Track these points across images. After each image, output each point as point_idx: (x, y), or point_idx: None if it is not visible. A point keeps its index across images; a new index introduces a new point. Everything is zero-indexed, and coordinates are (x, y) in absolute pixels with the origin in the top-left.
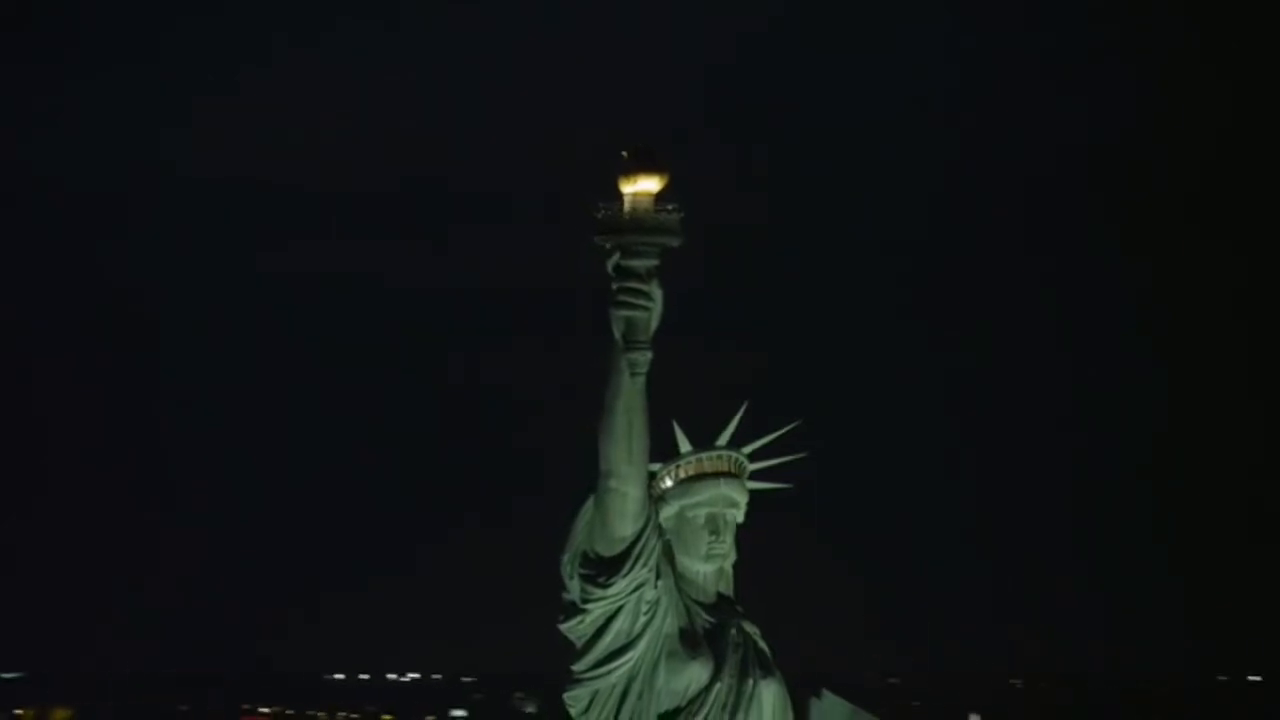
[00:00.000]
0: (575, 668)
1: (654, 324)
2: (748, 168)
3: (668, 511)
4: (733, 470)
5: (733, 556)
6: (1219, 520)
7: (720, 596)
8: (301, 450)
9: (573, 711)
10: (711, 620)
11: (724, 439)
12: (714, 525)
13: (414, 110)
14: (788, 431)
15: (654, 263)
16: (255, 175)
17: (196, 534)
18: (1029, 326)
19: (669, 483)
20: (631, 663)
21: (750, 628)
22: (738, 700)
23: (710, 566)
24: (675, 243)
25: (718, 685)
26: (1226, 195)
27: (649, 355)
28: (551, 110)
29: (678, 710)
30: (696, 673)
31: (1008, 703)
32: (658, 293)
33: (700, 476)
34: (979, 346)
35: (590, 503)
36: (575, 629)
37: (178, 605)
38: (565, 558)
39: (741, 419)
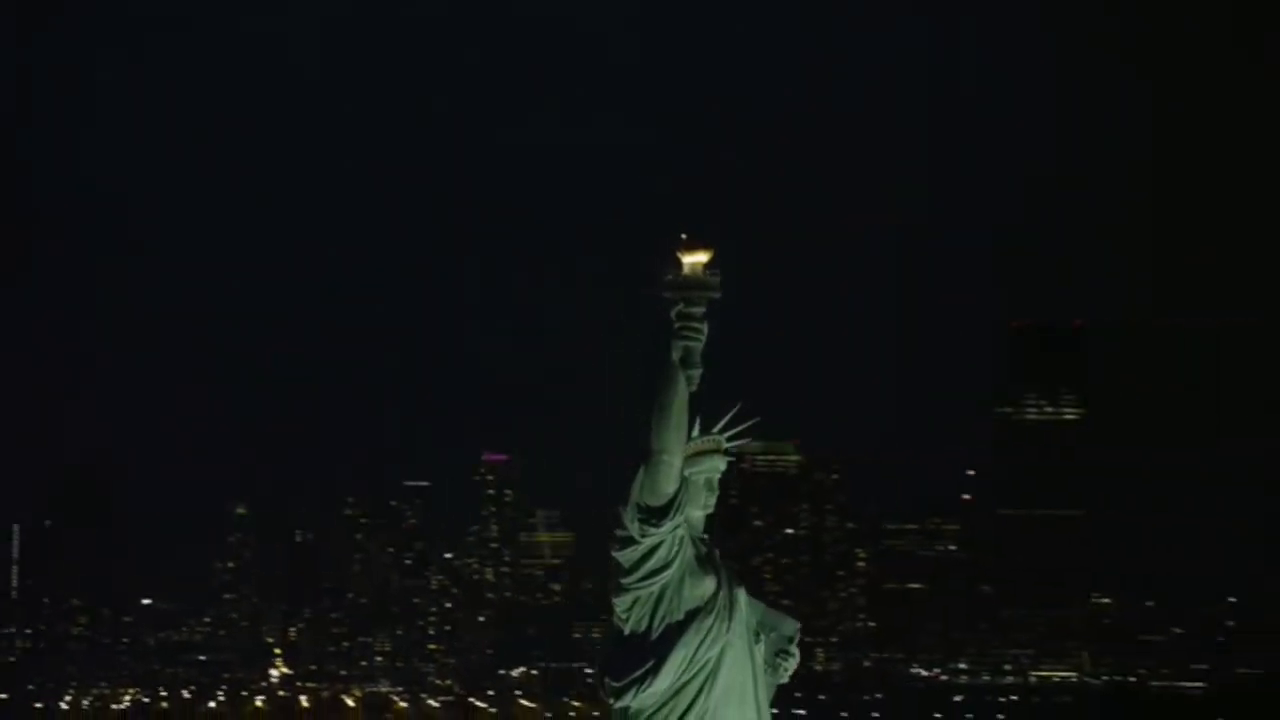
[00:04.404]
0: (624, 580)
1: (702, 349)
2: None
3: None
4: (718, 449)
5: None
6: None
7: (702, 534)
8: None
9: (618, 609)
10: (705, 549)
11: (717, 428)
12: (710, 485)
13: None
14: (749, 425)
15: (704, 309)
16: None
17: None
18: None
19: None
20: (667, 577)
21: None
22: (731, 603)
23: (703, 513)
24: (718, 296)
25: (721, 592)
26: None
27: (700, 371)
28: None
29: (699, 610)
30: (709, 584)
31: None
32: (706, 329)
33: (701, 453)
34: None
35: (642, 470)
36: (628, 556)
37: None
38: (626, 508)
39: (734, 415)
